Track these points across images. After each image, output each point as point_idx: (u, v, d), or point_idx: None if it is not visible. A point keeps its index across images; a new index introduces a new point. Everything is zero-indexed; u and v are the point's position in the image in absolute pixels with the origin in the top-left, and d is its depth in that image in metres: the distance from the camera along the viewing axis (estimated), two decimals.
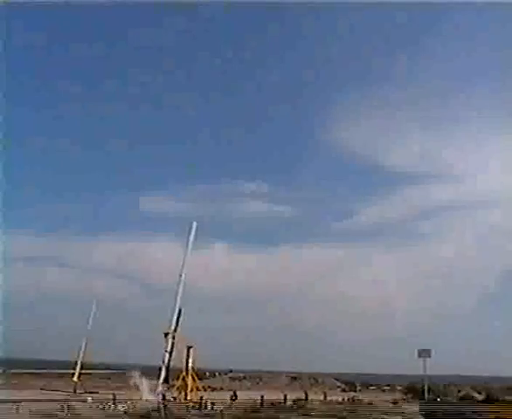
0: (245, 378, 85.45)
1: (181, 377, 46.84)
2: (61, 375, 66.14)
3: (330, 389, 68.31)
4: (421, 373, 51.71)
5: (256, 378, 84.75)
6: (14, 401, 32.06)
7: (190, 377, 46.82)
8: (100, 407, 35.96)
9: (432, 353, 51.02)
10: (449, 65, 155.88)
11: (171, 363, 46.27)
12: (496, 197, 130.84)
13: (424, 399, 49.31)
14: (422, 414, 36.73)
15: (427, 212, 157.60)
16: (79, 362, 55.52)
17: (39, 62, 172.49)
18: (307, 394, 45.67)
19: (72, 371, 56.43)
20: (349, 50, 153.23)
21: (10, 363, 67.55)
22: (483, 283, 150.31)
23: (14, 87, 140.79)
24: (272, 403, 40.05)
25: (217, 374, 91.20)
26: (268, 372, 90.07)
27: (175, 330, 45.80)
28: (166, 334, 45.64)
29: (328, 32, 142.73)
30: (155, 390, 44.31)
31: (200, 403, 38.25)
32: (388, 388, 75.45)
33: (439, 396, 52.96)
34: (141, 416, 31.81)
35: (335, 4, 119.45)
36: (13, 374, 68.15)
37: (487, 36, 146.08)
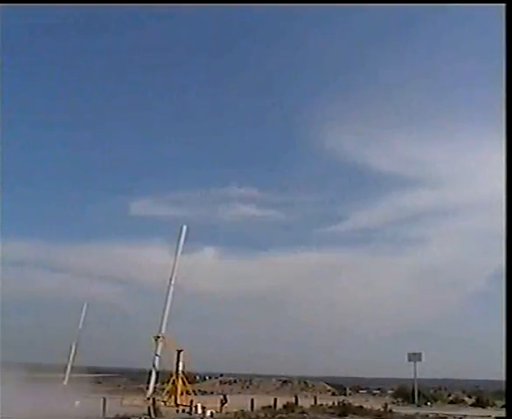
0: (235, 382, 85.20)
1: (171, 381, 46.63)
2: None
3: (321, 393, 68.24)
4: (411, 377, 51.99)
5: (246, 382, 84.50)
6: None
7: (180, 381, 46.57)
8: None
9: (423, 356, 51.25)
10: (436, 72, 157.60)
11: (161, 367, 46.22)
12: (483, 202, 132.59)
13: (414, 403, 49.48)
14: None
15: (415, 217, 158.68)
16: (68, 366, 54.90)
17: None
18: (297, 398, 45.50)
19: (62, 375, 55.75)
20: (337, 54, 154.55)
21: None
22: (473, 286, 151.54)
23: None
24: (262, 407, 39.84)
25: (207, 377, 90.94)
26: (259, 376, 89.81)
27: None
28: (156, 338, 45.61)
29: (317, 36, 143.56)
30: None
31: (190, 407, 38.07)
32: (378, 391, 75.57)
33: (429, 400, 53.12)
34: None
35: (321, 9, 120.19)
36: None
37: (473, 43, 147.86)
